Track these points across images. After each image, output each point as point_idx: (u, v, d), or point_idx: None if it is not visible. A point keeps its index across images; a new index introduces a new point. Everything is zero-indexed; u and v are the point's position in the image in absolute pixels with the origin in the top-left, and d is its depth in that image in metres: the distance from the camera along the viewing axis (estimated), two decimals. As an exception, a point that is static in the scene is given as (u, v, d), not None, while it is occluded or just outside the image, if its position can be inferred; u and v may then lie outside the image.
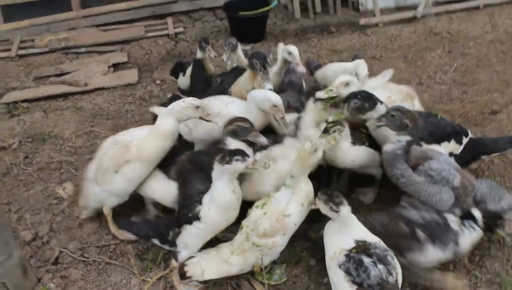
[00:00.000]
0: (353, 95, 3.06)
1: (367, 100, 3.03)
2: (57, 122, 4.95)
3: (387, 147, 2.87)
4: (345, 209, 2.45)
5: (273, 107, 3.23)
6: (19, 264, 2.70)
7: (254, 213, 2.78)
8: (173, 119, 3.07)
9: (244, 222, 2.81)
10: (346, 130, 3.02)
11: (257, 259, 2.77)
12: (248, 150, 2.91)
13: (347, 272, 2.33)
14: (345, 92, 3.19)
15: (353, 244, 2.42)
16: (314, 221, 3.07)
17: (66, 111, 5.24)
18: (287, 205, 2.70)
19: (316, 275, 2.93)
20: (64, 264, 3.08)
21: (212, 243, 2.92)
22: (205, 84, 4.26)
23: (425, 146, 3.06)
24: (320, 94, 3.19)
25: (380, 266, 2.30)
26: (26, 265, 2.78)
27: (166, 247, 2.90)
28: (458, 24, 6.20)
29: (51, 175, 4.12)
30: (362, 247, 2.38)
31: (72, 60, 6.30)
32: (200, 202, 2.74)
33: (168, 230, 2.83)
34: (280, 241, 2.74)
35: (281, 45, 4.75)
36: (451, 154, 3.16)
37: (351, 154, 3.12)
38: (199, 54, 4.49)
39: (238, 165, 2.57)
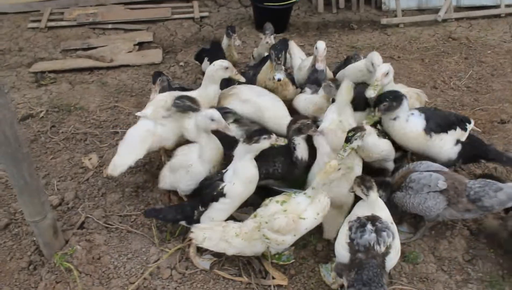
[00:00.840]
0: (383, 98, 3.33)
1: (395, 99, 3.30)
2: (82, 95, 5.15)
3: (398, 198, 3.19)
4: (374, 194, 2.80)
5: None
6: (52, 225, 2.95)
7: (273, 206, 2.95)
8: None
9: (259, 211, 3.00)
10: (369, 129, 3.24)
11: (262, 249, 2.97)
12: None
13: (350, 228, 2.76)
14: (386, 80, 3.50)
15: (368, 214, 2.81)
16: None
17: (92, 85, 5.45)
18: (305, 210, 2.90)
19: (321, 258, 3.16)
20: (89, 229, 3.33)
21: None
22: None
23: (434, 136, 3.34)
24: (371, 92, 3.43)
25: (373, 235, 2.67)
26: (57, 226, 3.02)
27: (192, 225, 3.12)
28: (477, 31, 6.31)
29: (76, 146, 4.36)
30: (371, 218, 2.78)
31: (99, 36, 6.49)
32: (221, 180, 3.03)
33: (193, 211, 3.12)
34: (289, 241, 2.92)
35: (292, 42, 4.92)
36: (458, 141, 3.43)
37: (381, 145, 3.35)
38: (225, 41, 4.68)
39: (265, 143, 2.92)
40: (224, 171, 3.09)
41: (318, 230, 3.26)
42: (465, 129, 3.46)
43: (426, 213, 3.07)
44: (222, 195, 2.99)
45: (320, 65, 3.89)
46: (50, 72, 5.65)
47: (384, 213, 2.83)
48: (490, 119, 4.52)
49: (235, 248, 2.95)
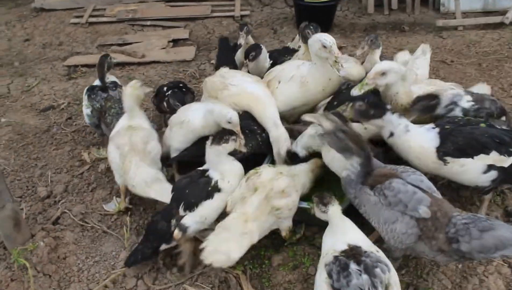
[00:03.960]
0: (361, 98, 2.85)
1: (374, 107, 2.70)
2: (106, 89, 4.98)
3: (343, 174, 2.53)
4: (333, 208, 2.30)
5: (322, 48, 3.03)
6: (12, 216, 2.67)
7: (267, 171, 2.68)
8: None
9: (258, 182, 2.60)
10: None
11: (274, 223, 2.64)
12: None
13: (329, 274, 2.09)
14: (382, 82, 2.88)
15: (345, 247, 2.17)
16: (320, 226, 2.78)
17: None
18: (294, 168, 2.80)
19: (312, 285, 2.57)
20: (62, 225, 3.03)
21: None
22: (231, 64, 4.01)
23: (450, 160, 2.60)
24: (355, 91, 2.91)
25: (365, 276, 2.01)
26: (19, 218, 2.74)
27: (174, 243, 2.68)
28: (553, 36, 5.41)
29: (84, 138, 4.16)
30: (353, 252, 2.13)
31: (137, 32, 6.40)
32: (207, 177, 2.72)
33: (169, 222, 2.67)
34: (296, 198, 2.67)
35: None
36: (492, 167, 2.61)
37: None
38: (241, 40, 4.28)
39: (233, 144, 2.70)
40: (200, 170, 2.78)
41: (313, 250, 2.73)
42: (508, 153, 2.60)
43: (390, 238, 2.33)
44: (218, 190, 2.67)
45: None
46: (82, 66, 5.60)
47: (359, 236, 2.24)
48: (555, 135, 3.69)
49: (255, 233, 2.51)
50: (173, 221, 2.66)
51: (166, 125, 4.26)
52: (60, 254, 2.80)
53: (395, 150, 2.79)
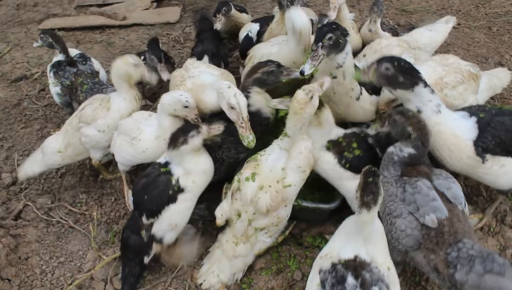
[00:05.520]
0: (385, 59, 2.21)
1: (405, 73, 2.16)
2: (84, 55, 4.60)
3: (390, 148, 2.19)
4: (367, 216, 1.77)
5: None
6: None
7: (247, 188, 2.25)
8: None
9: (240, 207, 2.29)
10: None
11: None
12: None
13: (322, 283, 1.82)
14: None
15: (350, 256, 1.85)
16: (313, 223, 2.50)
17: (98, 44, 4.92)
18: (284, 171, 2.24)
19: (297, 293, 2.33)
20: (24, 221, 2.74)
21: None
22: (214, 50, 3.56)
23: (489, 157, 2.18)
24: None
25: None
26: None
27: (155, 249, 2.39)
28: None
29: (56, 114, 3.83)
30: (356, 264, 1.82)
31: (120, -10, 5.91)
32: (168, 173, 2.35)
33: (139, 235, 2.35)
34: (284, 213, 2.32)
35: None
36: None
37: None
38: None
39: (195, 141, 2.29)
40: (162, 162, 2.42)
41: (300, 251, 2.45)
42: None
43: (388, 232, 2.05)
44: (180, 190, 2.31)
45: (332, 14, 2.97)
46: (59, 29, 5.16)
47: (378, 249, 1.88)
48: None
49: (250, 256, 2.37)
50: (143, 233, 2.34)
51: (145, 97, 3.91)
52: (21, 255, 2.53)
53: None
